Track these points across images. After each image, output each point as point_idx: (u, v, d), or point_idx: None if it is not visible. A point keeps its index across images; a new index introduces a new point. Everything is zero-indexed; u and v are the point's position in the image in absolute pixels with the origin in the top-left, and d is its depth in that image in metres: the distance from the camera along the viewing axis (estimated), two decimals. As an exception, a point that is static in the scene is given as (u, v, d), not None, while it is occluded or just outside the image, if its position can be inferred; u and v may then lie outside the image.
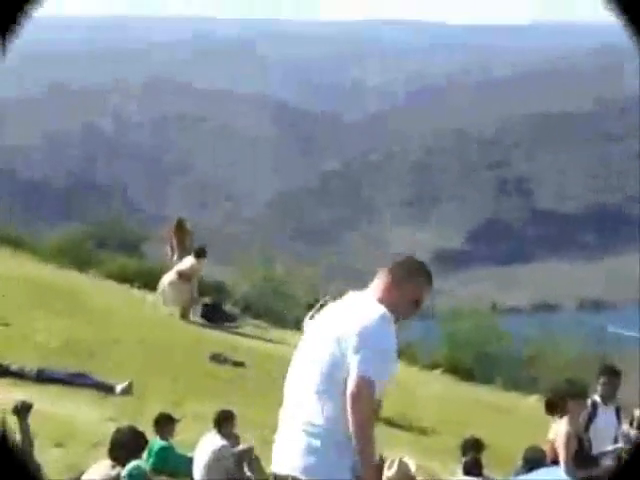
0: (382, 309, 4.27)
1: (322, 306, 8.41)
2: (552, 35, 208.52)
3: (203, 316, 19.05)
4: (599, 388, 9.29)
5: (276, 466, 4.06)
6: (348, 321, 4.27)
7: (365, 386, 3.90)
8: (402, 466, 8.36)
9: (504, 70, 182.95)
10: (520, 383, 20.24)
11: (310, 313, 8.48)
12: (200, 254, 18.76)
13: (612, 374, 9.34)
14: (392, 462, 8.42)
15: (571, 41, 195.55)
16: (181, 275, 18.48)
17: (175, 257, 19.25)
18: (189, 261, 18.76)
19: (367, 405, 3.88)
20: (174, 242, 19.36)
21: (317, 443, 3.91)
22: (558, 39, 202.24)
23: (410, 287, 4.38)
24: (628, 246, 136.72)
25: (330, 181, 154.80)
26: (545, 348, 21.14)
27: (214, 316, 19.29)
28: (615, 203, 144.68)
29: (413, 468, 8.49)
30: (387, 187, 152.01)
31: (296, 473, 3.92)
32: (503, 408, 18.07)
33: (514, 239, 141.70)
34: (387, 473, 8.39)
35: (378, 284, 4.45)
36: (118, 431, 7.57)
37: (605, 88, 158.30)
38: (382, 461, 8.45)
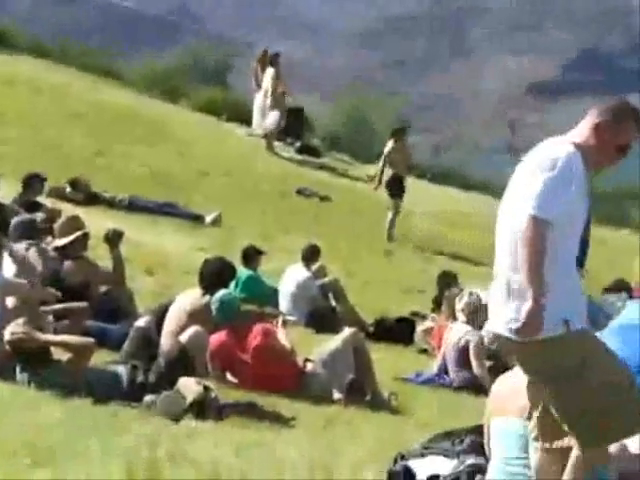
0: (567, 150, 4.10)
1: None
2: None
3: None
4: None
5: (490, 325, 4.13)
6: (531, 166, 4.16)
7: (533, 224, 3.89)
8: (472, 297, 8.54)
9: None
10: (612, 217, 20.08)
11: None
12: (272, 62, 18.30)
13: None
14: (463, 294, 8.60)
15: None
16: (266, 94, 18.15)
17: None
18: (269, 72, 18.30)
19: (534, 244, 3.87)
20: (259, 73, 19.09)
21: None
22: None
23: (615, 131, 4.16)
24: None
25: (424, 10, 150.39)
26: (633, 180, 20.80)
27: (301, 149, 19.38)
28: None
29: (485, 299, 8.66)
30: (482, 15, 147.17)
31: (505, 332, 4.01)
32: (595, 241, 17.99)
33: (611, 70, 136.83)
34: (458, 304, 8.60)
35: (582, 126, 4.29)
36: (207, 261, 7.79)
37: None
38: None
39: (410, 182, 20.07)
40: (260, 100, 18.45)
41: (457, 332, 8.49)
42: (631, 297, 9.23)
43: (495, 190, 20.52)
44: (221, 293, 7.17)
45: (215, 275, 7.50)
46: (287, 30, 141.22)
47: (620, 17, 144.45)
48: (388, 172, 15.05)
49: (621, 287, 9.75)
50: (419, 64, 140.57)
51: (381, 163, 15.28)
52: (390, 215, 15.01)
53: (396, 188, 15.01)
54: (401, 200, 15.12)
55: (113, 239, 8.23)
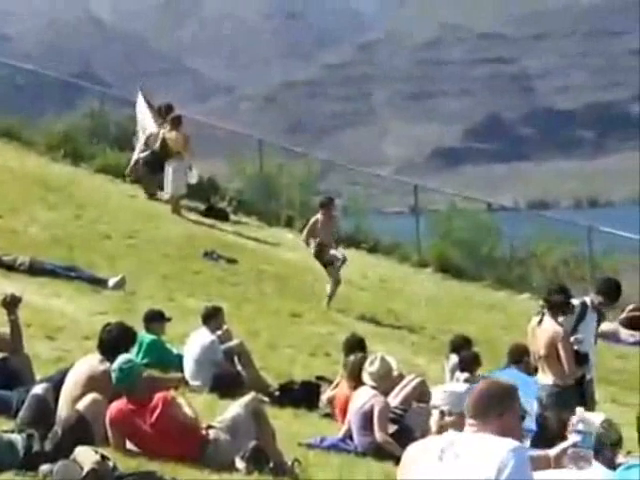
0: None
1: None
2: None
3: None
4: (595, 299, 9.17)
5: None
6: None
7: None
8: (383, 363, 8.54)
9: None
10: (511, 282, 20.38)
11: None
12: (177, 122, 18.10)
13: (610, 295, 9.10)
14: (374, 359, 8.59)
15: None
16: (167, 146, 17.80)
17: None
18: (172, 135, 18.10)
19: None
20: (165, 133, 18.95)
21: None
22: None
23: None
24: (627, 144, 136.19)
25: (330, 75, 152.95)
26: (537, 247, 21.22)
27: (206, 213, 19.29)
28: (616, 101, 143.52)
29: (394, 365, 8.67)
30: (387, 82, 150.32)
31: None
32: (493, 306, 18.28)
33: (513, 136, 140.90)
34: (368, 369, 8.58)
35: None
36: (107, 326, 7.66)
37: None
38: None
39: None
40: (173, 164, 18.30)
41: (362, 396, 8.46)
42: (529, 372, 9.39)
43: (400, 253, 20.76)
44: (120, 360, 7.00)
45: (114, 341, 7.35)
46: (192, 93, 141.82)
47: (519, 84, 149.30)
48: (313, 243, 14.94)
49: (519, 356, 9.87)
50: (323, 128, 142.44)
51: (305, 234, 15.16)
52: (330, 286, 14.90)
53: (326, 257, 14.93)
54: (333, 268, 14.97)
55: (10, 304, 8.03)
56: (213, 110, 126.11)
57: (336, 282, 14.92)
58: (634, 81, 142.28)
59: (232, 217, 20.06)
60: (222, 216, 19.47)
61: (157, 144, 18.45)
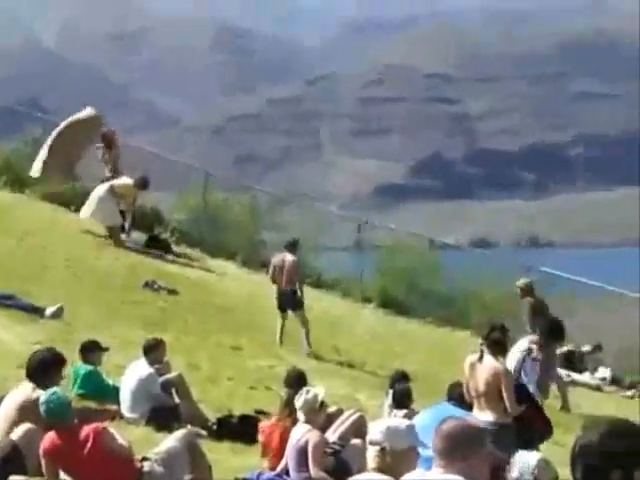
0: None
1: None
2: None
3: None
4: (539, 340, 9.26)
5: None
6: None
7: None
8: (310, 396, 8.45)
9: (455, 6, 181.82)
10: (452, 318, 20.47)
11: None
12: (141, 185, 18.10)
13: (553, 336, 9.19)
14: (302, 393, 8.51)
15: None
16: (114, 192, 17.87)
17: (107, 172, 18.65)
18: (125, 181, 18.09)
19: None
20: (107, 157, 18.82)
21: None
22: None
23: None
24: (567, 186, 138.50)
25: (277, 109, 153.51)
26: (477, 284, 21.36)
27: (149, 244, 19.12)
28: (556, 143, 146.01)
29: (321, 397, 8.56)
30: (333, 118, 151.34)
31: None
32: (435, 342, 18.32)
33: (456, 175, 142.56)
34: (297, 403, 8.50)
35: None
36: (34, 354, 7.50)
37: (552, 29, 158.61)
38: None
39: (262, 278, 20.06)
40: (101, 194, 18.09)
41: (298, 432, 8.37)
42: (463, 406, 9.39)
43: (343, 288, 20.75)
44: (48, 394, 6.83)
45: (41, 367, 7.18)
46: (141, 124, 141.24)
47: (462, 125, 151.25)
48: (285, 287, 14.82)
49: (458, 392, 9.85)
50: (270, 162, 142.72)
51: (270, 275, 15.08)
52: (303, 329, 14.79)
53: (294, 300, 14.83)
54: (302, 310, 14.84)
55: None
56: (160, 141, 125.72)
57: (305, 324, 14.80)
58: (574, 124, 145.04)
59: (175, 248, 19.91)
60: (165, 247, 19.30)
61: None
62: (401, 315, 20.07)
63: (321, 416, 8.53)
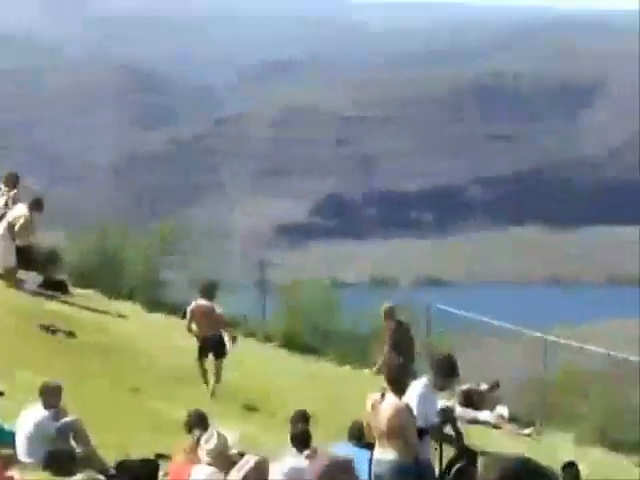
0: None
1: None
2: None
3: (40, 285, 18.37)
4: (434, 378, 9.37)
5: None
6: None
7: None
8: (220, 439, 8.36)
9: (363, 49, 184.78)
10: (353, 357, 20.56)
11: None
12: (35, 206, 17.48)
13: (446, 373, 9.36)
14: (210, 435, 8.41)
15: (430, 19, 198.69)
16: (11, 228, 17.28)
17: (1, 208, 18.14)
18: (21, 210, 17.48)
19: None
20: (7, 196, 18.33)
21: None
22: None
23: None
24: (465, 226, 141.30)
25: (179, 149, 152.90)
26: (377, 323, 21.55)
27: (45, 285, 18.73)
28: (455, 184, 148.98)
29: (232, 441, 8.49)
30: (236, 158, 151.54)
31: None
32: (336, 381, 18.35)
33: (355, 215, 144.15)
34: (205, 446, 8.39)
35: None
36: None
37: (458, 68, 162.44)
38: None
39: (161, 318, 19.80)
40: (0, 234, 17.63)
41: (201, 473, 8.24)
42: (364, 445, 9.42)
43: (245, 327, 20.67)
44: None
45: None
46: (36, 161, 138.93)
47: (362, 165, 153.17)
48: (205, 333, 14.58)
49: (359, 432, 9.88)
50: (171, 199, 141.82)
51: (187, 323, 14.83)
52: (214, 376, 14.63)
53: (218, 346, 14.60)
54: (223, 358, 14.68)
55: None
56: (57, 180, 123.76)
57: (219, 371, 14.61)
58: (472, 166, 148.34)
59: (72, 289, 19.54)
60: (61, 288, 18.93)
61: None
62: (303, 354, 20.08)
63: (227, 460, 8.45)
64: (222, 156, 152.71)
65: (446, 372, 9.32)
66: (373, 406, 8.74)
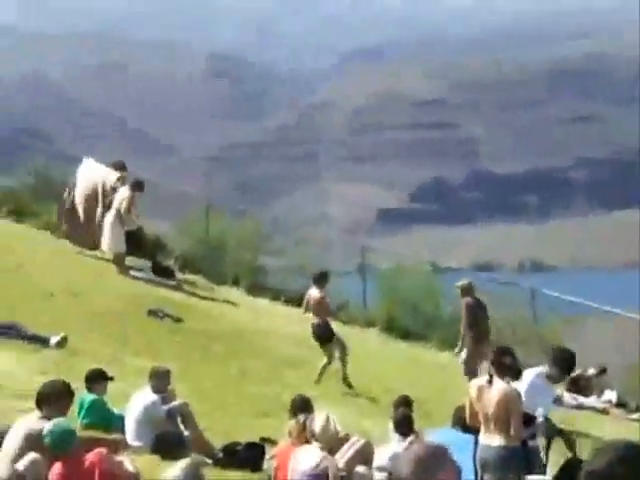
0: None
1: None
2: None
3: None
4: (550, 370, 9.27)
5: None
6: None
7: None
8: (328, 422, 8.42)
9: (456, 29, 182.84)
10: (454, 342, 20.42)
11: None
12: (137, 186, 17.95)
13: (563, 367, 9.24)
14: (319, 418, 8.47)
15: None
16: (120, 215, 17.74)
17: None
18: (124, 193, 17.93)
19: None
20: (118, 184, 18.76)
21: None
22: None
23: None
24: (569, 209, 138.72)
25: (275, 136, 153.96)
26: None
27: (153, 270, 19.12)
28: (558, 166, 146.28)
29: (337, 424, 8.56)
30: (332, 145, 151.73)
31: None
32: (438, 366, 18.25)
33: (457, 200, 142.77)
34: (314, 428, 8.46)
35: None
36: (44, 385, 7.51)
37: (554, 50, 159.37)
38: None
39: (266, 304, 20.00)
40: (110, 220, 18.11)
41: (312, 457, 8.30)
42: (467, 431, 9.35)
43: (346, 313, 20.71)
44: (52, 424, 6.80)
45: (50, 398, 7.15)
46: (136, 154, 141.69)
47: (462, 149, 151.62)
48: (313, 320, 14.77)
49: (463, 417, 9.80)
50: (269, 189, 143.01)
51: (303, 310, 15.06)
52: (325, 361, 14.72)
53: (324, 335, 14.77)
54: (331, 345, 14.79)
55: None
56: (156, 171, 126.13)
57: (328, 358, 14.70)
58: (574, 149, 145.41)
59: (178, 275, 19.90)
60: (168, 274, 19.30)
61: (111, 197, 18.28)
62: (405, 340, 20.03)
63: (334, 442, 8.51)
64: (317, 144, 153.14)
65: (564, 366, 9.18)
66: (480, 390, 8.65)
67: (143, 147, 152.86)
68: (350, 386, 14.59)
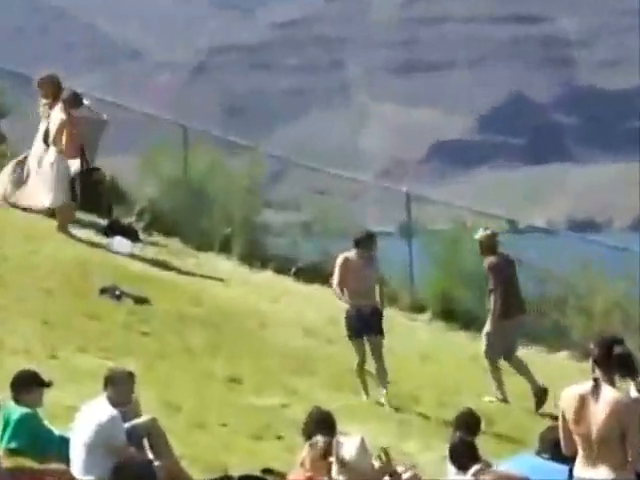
0: None
1: None
2: None
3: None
4: None
5: None
6: None
7: None
8: (362, 449, 8.55)
9: None
10: (541, 333, 20.45)
11: None
12: (72, 101, 18.23)
13: None
14: (349, 442, 8.62)
15: None
16: (60, 156, 18.02)
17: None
18: (56, 116, 18.17)
19: None
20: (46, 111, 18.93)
21: None
22: None
23: None
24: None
25: (281, 35, 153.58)
26: (579, 284, 21.29)
27: (108, 231, 19.28)
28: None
29: (373, 452, 8.71)
30: (366, 47, 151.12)
31: None
32: (507, 368, 18.32)
33: (544, 128, 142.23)
34: (342, 456, 8.61)
35: None
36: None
37: None
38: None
39: (267, 278, 20.14)
40: (50, 161, 18.24)
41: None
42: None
43: (384, 291, 20.79)
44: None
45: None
46: (95, 58, 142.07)
47: (553, 54, 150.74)
48: (353, 301, 14.80)
49: (554, 441, 9.86)
50: (274, 112, 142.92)
51: (335, 282, 15.09)
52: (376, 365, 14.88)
53: (374, 327, 14.84)
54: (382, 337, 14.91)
55: None
56: (120, 84, 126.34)
57: (380, 358, 14.76)
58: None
59: (144, 237, 20.00)
60: (129, 236, 19.42)
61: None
62: (466, 330, 20.12)
63: (373, 476, 8.65)
64: (344, 46, 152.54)
65: (621, 369, 9.21)
66: (580, 402, 8.65)
67: (96, 51, 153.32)
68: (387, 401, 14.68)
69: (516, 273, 16.55)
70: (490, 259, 16.07)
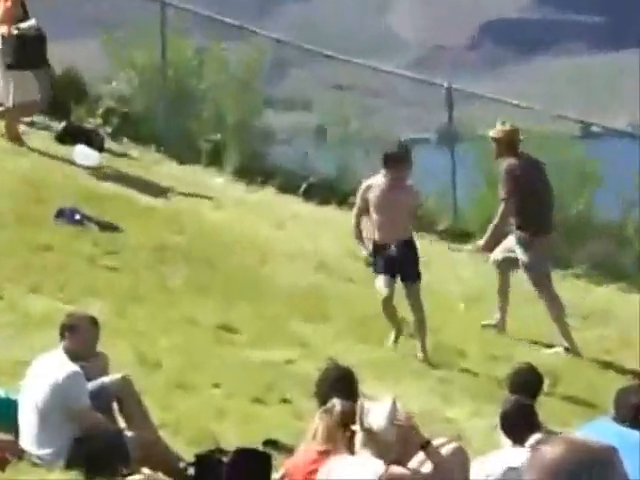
0: None
1: None
2: None
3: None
4: None
5: None
6: None
7: None
8: (393, 413, 8.65)
9: None
10: (622, 267, 20.51)
11: None
12: None
13: None
14: (376, 406, 8.72)
15: None
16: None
17: None
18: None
19: None
20: None
21: None
22: None
23: None
24: None
25: None
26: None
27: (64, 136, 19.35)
28: None
29: (409, 417, 8.80)
30: None
31: None
32: (589, 311, 18.40)
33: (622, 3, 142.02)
34: (368, 423, 8.71)
35: None
36: None
37: None
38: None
39: (267, 198, 20.26)
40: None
41: (361, 473, 8.55)
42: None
43: (422, 215, 20.88)
44: None
45: None
46: None
47: None
48: (368, 229, 14.75)
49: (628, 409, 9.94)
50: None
51: (355, 211, 15.10)
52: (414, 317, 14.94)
53: (410, 262, 14.89)
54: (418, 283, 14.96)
55: None
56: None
57: (419, 309, 14.78)
58: None
59: (110, 145, 20.06)
60: (92, 144, 19.49)
61: None
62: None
63: (403, 448, 8.74)
64: None
65: None
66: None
67: None
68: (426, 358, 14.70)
69: (548, 183, 16.34)
70: (509, 160, 15.79)
